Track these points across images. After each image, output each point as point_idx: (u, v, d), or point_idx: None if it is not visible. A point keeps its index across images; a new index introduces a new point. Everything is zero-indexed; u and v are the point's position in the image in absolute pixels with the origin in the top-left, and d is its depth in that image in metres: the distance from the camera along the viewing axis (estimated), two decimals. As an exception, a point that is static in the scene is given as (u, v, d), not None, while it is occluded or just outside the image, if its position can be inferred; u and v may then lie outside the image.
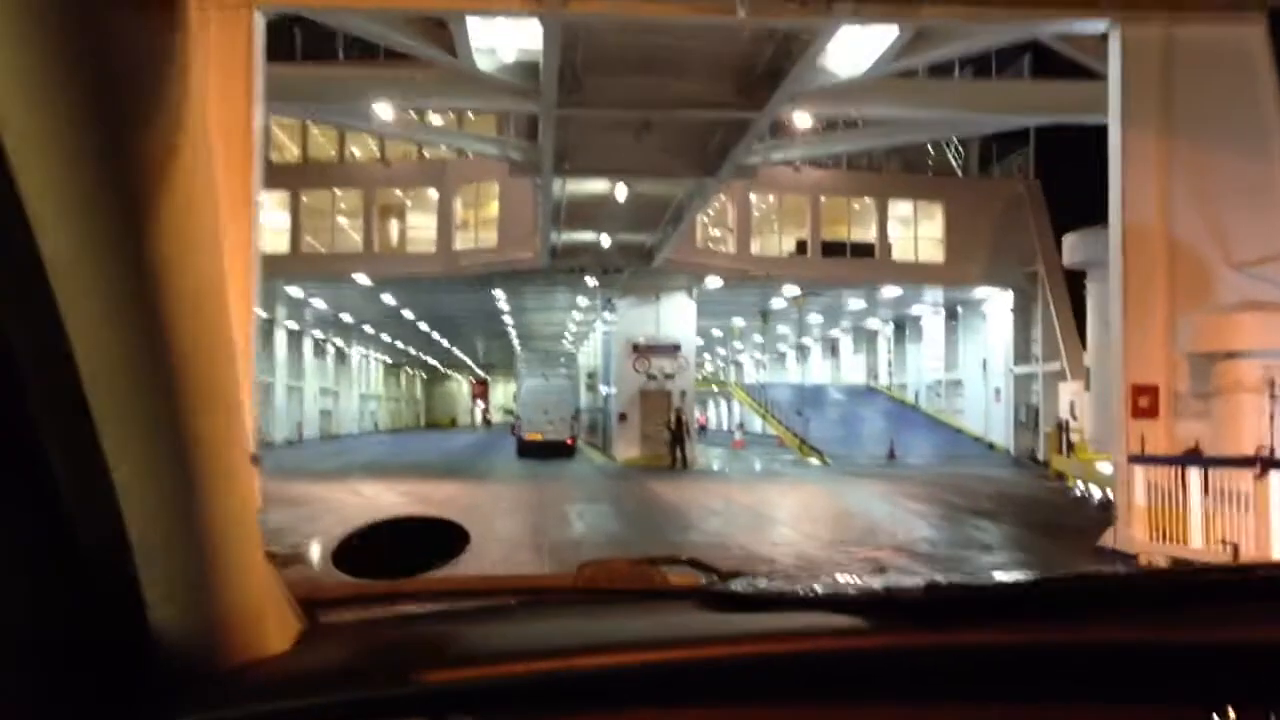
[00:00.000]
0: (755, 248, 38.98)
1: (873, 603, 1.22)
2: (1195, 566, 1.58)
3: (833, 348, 61.24)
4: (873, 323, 53.64)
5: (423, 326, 57.15)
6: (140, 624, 0.91)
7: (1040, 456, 38.15)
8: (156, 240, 0.80)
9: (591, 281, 38.62)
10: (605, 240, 32.20)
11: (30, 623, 0.89)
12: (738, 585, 1.34)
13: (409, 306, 47.93)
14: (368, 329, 60.55)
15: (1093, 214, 38.15)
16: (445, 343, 69.88)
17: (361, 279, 37.63)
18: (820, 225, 38.83)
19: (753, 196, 38.73)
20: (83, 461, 0.83)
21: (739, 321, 52.95)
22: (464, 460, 40.54)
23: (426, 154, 38.44)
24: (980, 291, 41.45)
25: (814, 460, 39.98)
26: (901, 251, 39.98)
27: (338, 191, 38.20)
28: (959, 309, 45.10)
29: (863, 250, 39.21)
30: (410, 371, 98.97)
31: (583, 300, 44.55)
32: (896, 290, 40.91)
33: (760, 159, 24.84)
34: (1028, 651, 1.16)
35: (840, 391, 53.25)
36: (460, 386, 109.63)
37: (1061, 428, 32.10)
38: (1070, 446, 30.44)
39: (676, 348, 39.82)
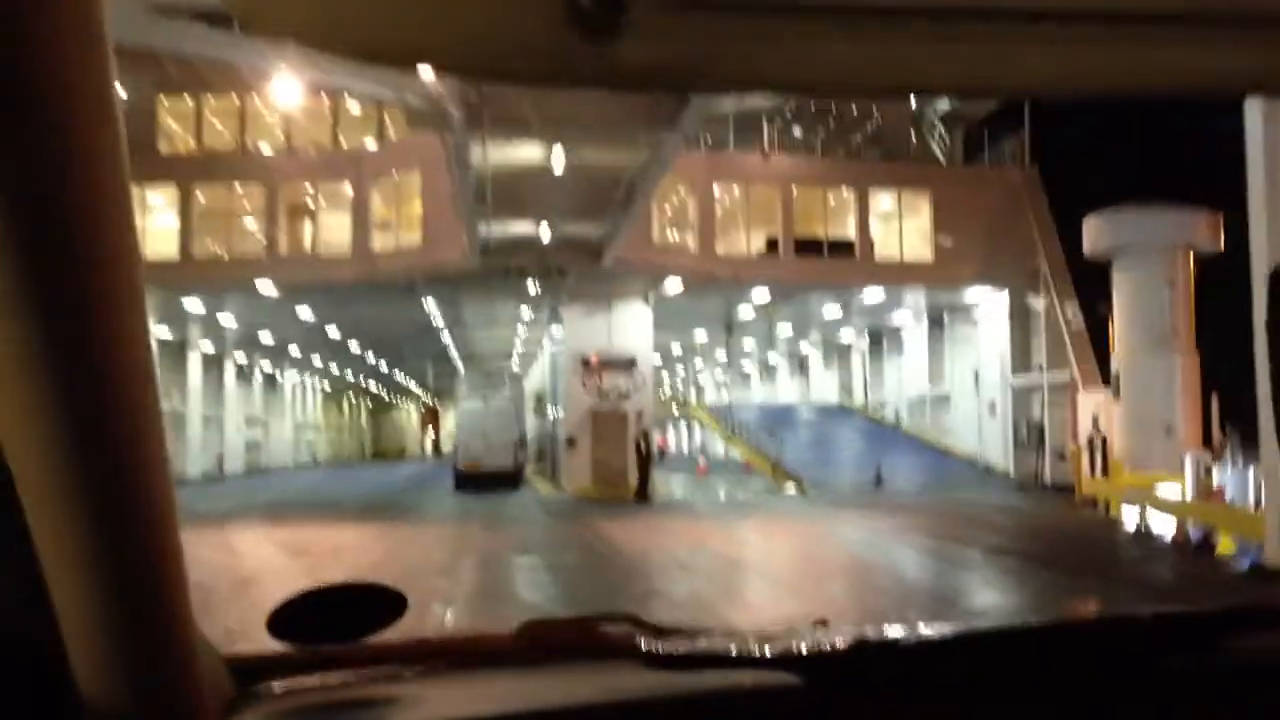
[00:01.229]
0: (720, 248, 33.59)
1: (807, 660, 1.18)
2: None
3: (801, 364, 55.96)
4: (846, 335, 48.42)
5: (354, 347, 51.21)
6: (67, 693, 0.87)
7: (1047, 479, 32.95)
8: (66, 286, 0.76)
9: (534, 288, 33.05)
10: (545, 232, 26.70)
11: None
12: (677, 644, 1.29)
13: (333, 322, 42.03)
14: (296, 352, 54.45)
15: (1101, 198, 33.35)
16: (383, 366, 63.93)
17: (266, 287, 31.79)
18: (793, 220, 33.55)
19: (716, 189, 33.40)
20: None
21: (701, 336, 47.52)
22: (390, 495, 34.80)
23: (342, 142, 32.81)
24: (971, 294, 36.32)
25: (790, 488, 34.56)
26: (885, 249, 34.77)
27: (238, 187, 32.41)
28: (945, 316, 39.93)
29: (841, 248, 33.96)
30: (353, 400, 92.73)
31: (526, 312, 38.95)
32: (878, 294, 35.66)
33: (731, 105, 19.45)
34: (951, 700, 1.15)
35: (811, 411, 47.90)
36: (409, 415, 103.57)
37: (1091, 445, 26.82)
38: (1104, 467, 25.17)
39: (632, 362, 34.34)
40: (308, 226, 33.63)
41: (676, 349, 53.26)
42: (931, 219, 34.21)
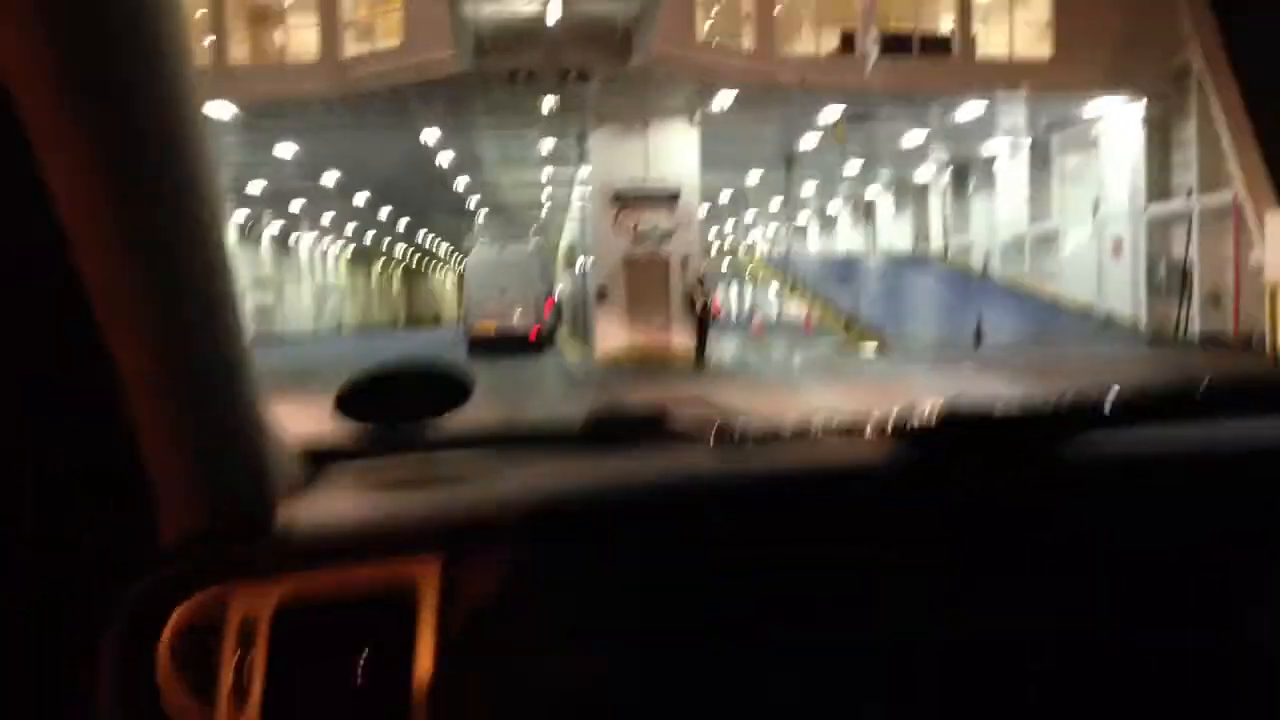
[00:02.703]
0: (784, 48, 26.14)
1: (886, 431, 1.15)
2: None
3: (867, 211, 48.48)
4: (924, 173, 40.85)
5: (359, 200, 44.41)
6: (144, 476, 0.89)
7: (1195, 330, 25.87)
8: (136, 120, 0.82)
9: (550, 104, 25.96)
10: (554, 8, 19.57)
11: (31, 473, 0.86)
12: (752, 422, 1.29)
13: (323, 165, 35.15)
14: (296, 209, 47.75)
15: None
16: (402, 226, 57.20)
17: (219, 109, 24.92)
18: (875, 8, 25.91)
19: (776, -24, 25.82)
20: (70, 307, 0.82)
21: (753, 178, 40.17)
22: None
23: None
24: (1092, 106, 28.68)
25: (869, 348, 27.77)
26: (990, 44, 27.13)
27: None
28: (1052, 140, 32.32)
29: (935, 45, 26.35)
30: (384, 265, 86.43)
31: (548, 144, 31.83)
32: (976, 109, 28.07)
33: None
34: (1046, 473, 1.13)
35: (882, 261, 40.71)
36: (444, 281, 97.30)
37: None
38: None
39: (674, 196, 27.37)
40: (262, 33, 26.54)
41: (724, 198, 45.95)
42: (1051, 2, 26.43)
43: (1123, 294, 28.91)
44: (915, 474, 1.12)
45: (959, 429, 1.14)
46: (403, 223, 56.31)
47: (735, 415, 1.33)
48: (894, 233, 45.90)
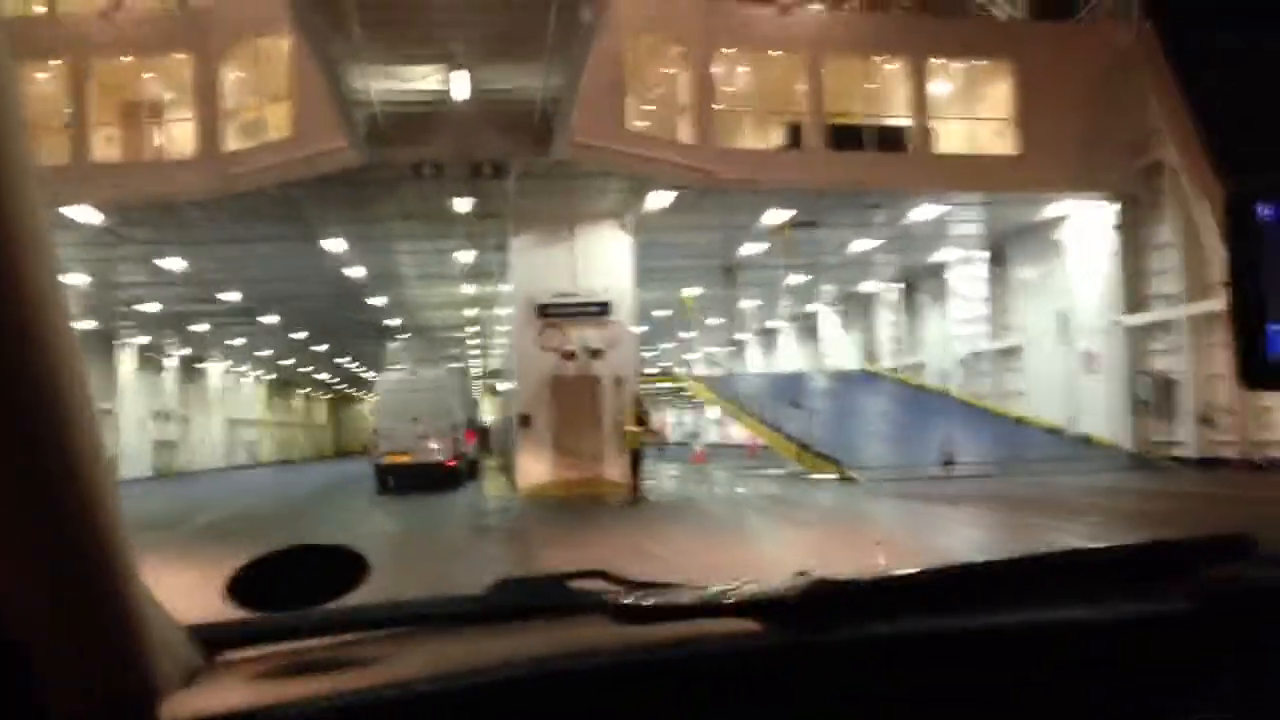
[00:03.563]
0: (724, 142, 23.43)
1: (760, 605, 1.16)
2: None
3: (810, 327, 45.82)
4: (871, 286, 38.31)
5: (269, 322, 40.78)
6: (19, 673, 0.82)
7: (1188, 450, 23.05)
8: None
9: (463, 204, 22.85)
10: (460, 86, 16.58)
11: None
12: (646, 598, 1.27)
13: (219, 278, 31.58)
14: (208, 329, 43.95)
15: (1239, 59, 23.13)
16: (323, 348, 53.54)
17: (81, 213, 21.44)
18: (823, 100, 23.38)
19: (715, 69, 23.22)
20: None
21: (693, 290, 37.28)
22: (282, 505, 24.73)
23: None
24: (1055, 210, 26.27)
25: (826, 474, 24.52)
26: (949, 142, 24.67)
27: (39, 72, 22.01)
28: (1007, 247, 29.87)
29: (889, 139, 23.78)
30: (308, 392, 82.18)
31: (468, 256, 28.66)
32: (931, 210, 25.45)
33: None
34: (911, 642, 1.15)
35: (828, 379, 37.74)
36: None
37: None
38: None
39: (604, 308, 24.22)
40: (133, 125, 23.25)
41: (661, 314, 43.05)
42: (1015, 97, 24.10)
43: (1099, 412, 26.05)
44: (787, 649, 1.13)
45: (828, 603, 1.16)
46: (322, 347, 52.65)
47: (634, 589, 1.34)
48: (840, 346, 43.18)
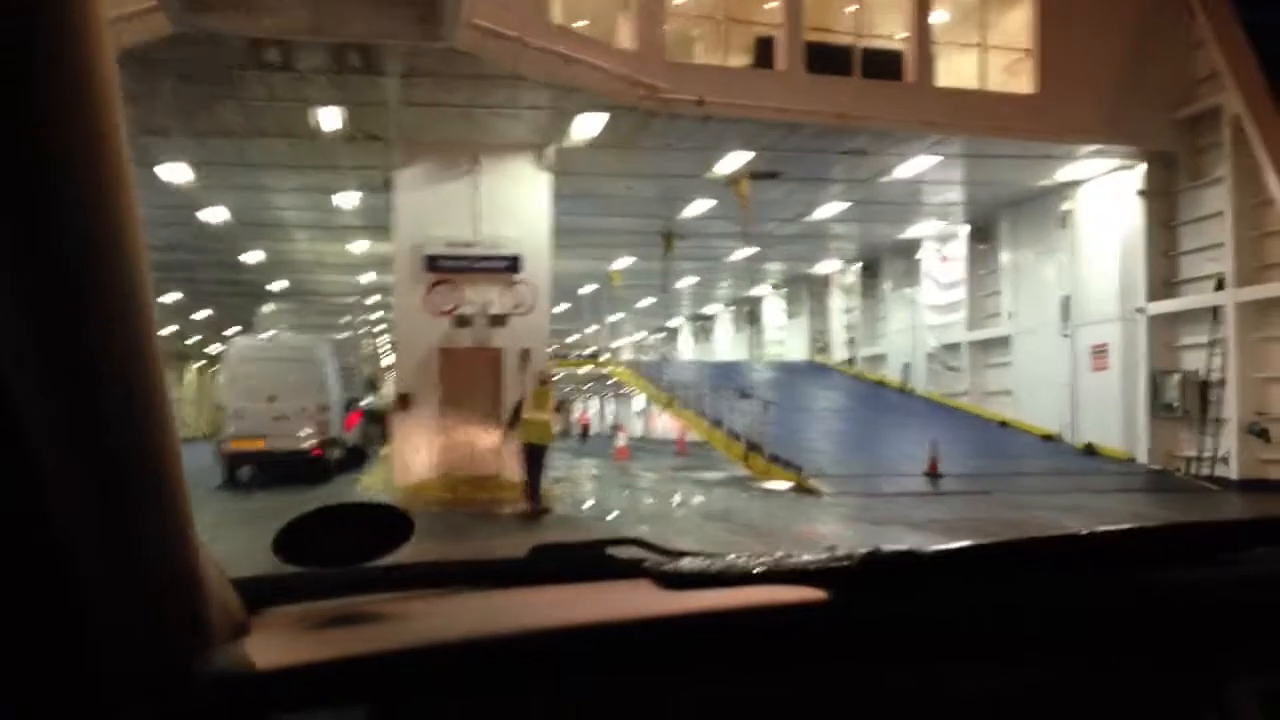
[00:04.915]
0: (678, 55, 18.29)
1: (812, 573, 1.16)
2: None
3: (751, 313, 40.92)
4: (824, 264, 33.46)
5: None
6: (75, 621, 0.82)
7: (1229, 469, 18.47)
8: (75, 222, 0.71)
9: (329, 120, 17.37)
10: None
11: None
12: (684, 564, 1.29)
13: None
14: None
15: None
16: (203, 316, 47.30)
17: None
18: (801, 10, 18.34)
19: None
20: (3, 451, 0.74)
21: (624, 261, 32.04)
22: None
23: None
24: (1067, 171, 21.59)
25: (779, 482, 19.54)
26: (954, 70, 19.81)
27: None
28: (998, 219, 25.18)
29: (882, 63, 18.79)
30: (201, 366, 75.44)
31: (345, 197, 23.14)
32: (928, 161, 20.51)
33: None
34: (966, 613, 1.15)
35: (773, 371, 32.89)
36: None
37: None
38: None
39: (513, 264, 19.00)
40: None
41: (585, 289, 37.76)
42: (1033, 23, 19.28)
43: (1110, 414, 21.43)
44: (843, 617, 1.12)
45: (883, 572, 1.15)
46: (202, 315, 46.44)
47: (670, 556, 1.32)
48: (785, 339, 38.35)
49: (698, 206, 24.24)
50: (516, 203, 19.07)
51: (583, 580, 1.34)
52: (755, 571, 1.19)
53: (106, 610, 0.83)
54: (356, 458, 26.20)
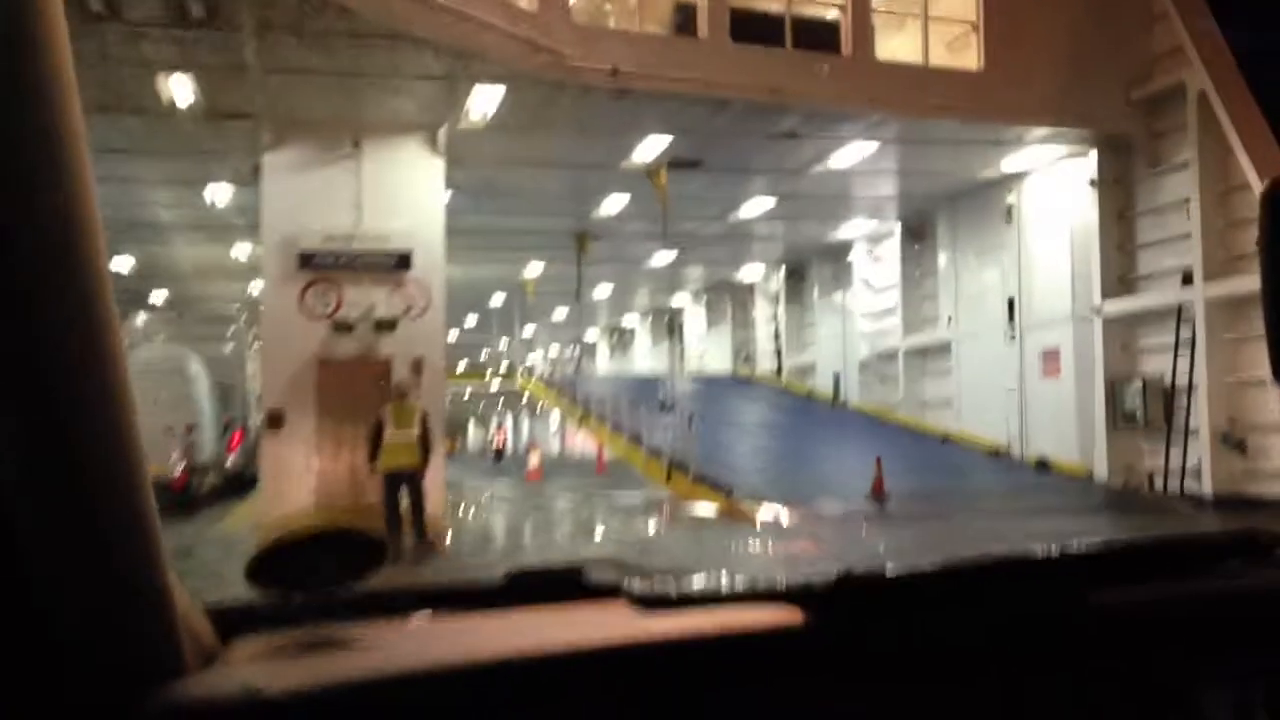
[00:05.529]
0: (585, 18, 16.04)
1: (787, 593, 1.16)
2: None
3: (670, 324, 38.76)
4: (747, 270, 31.46)
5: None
6: (40, 649, 0.81)
7: (1202, 484, 16.71)
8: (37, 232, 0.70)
9: (180, 91, 14.75)
10: None
11: None
12: (660, 585, 1.26)
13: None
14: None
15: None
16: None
17: None
18: (728, -28, 16.23)
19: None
20: None
21: (536, 267, 29.60)
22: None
23: None
24: (1012, 161, 19.81)
25: (705, 505, 17.33)
26: (894, 45, 17.86)
27: None
28: (935, 216, 23.38)
29: (817, 34, 16.72)
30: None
31: (216, 190, 20.44)
32: (867, 148, 18.50)
33: None
34: (939, 632, 1.15)
35: (696, 384, 30.69)
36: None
37: None
38: None
39: (402, 260, 16.54)
40: None
41: (497, 299, 35.25)
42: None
43: (1063, 425, 19.62)
44: (818, 638, 1.11)
45: (856, 592, 1.15)
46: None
47: (648, 576, 1.29)
48: (708, 350, 36.26)
49: (613, 203, 21.99)
50: (406, 192, 16.61)
51: (561, 600, 1.30)
52: (731, 592, 1.18)
53: (73, 638, 0.78)
54: (238, 485, 23.39)
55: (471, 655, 1.06)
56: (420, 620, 1.30)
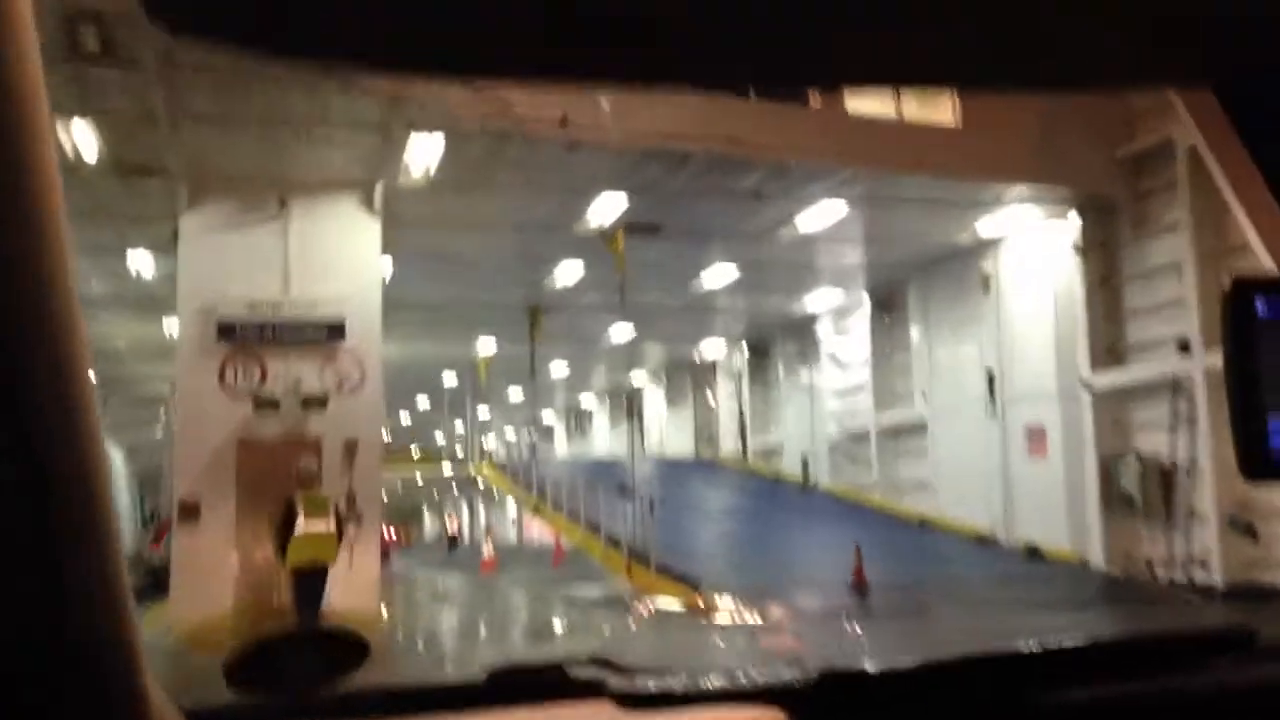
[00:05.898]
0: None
1: (769, 691, 1.15)
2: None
3: (629, 405, 37.24)
4: (708, 345, 30.12)
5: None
6: None
7: (1212, 573, 15.29)
8: None
9: (84, 143, 13.22)
10: None
11: None
12: (644, 683, 1.25)
13: None
14: None
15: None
16: None
17: None
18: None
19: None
20: None
21: (488, 343, 28.08)
22: None
23: None
24: (988, 224, 18.71)
25: (668, 601, 15.64)
26: (863, 102, 16.69)
27: None
28: (908, 286, 22.20)
29: (782, 88, 15.54)
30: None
31: (137, 258, 18.81)
32: (836, 209, 17.29)
33: None
34: None
35: (658, 467, 29.09)
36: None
37: None
38: None
39: (333, 330, 14.98)
40: None
41: (449, 379, 33.60)
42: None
43: (1050, 512, 18.20)
44: None
45: (838, 690, 1.13)
46: None
47: (633, 675, 1.30)
48: (668, 432, 34.73)
49: (567, 271, 20.62)
50: (339, 256, 15.13)
51: (544, 700, 1.29)
52: (714, 689, 1.17)
53: None
54: (162, 582, 21.33)
55: None
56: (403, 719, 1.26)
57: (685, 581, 16.13)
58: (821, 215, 17.34)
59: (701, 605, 14.92)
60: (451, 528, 54.35)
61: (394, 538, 67.86)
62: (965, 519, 20.08)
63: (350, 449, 14.67)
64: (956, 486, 20.36)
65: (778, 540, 19.64)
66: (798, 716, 1.09)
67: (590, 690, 1.26)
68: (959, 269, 20.14)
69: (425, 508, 70.01)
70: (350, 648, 1.28)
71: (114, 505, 0.68)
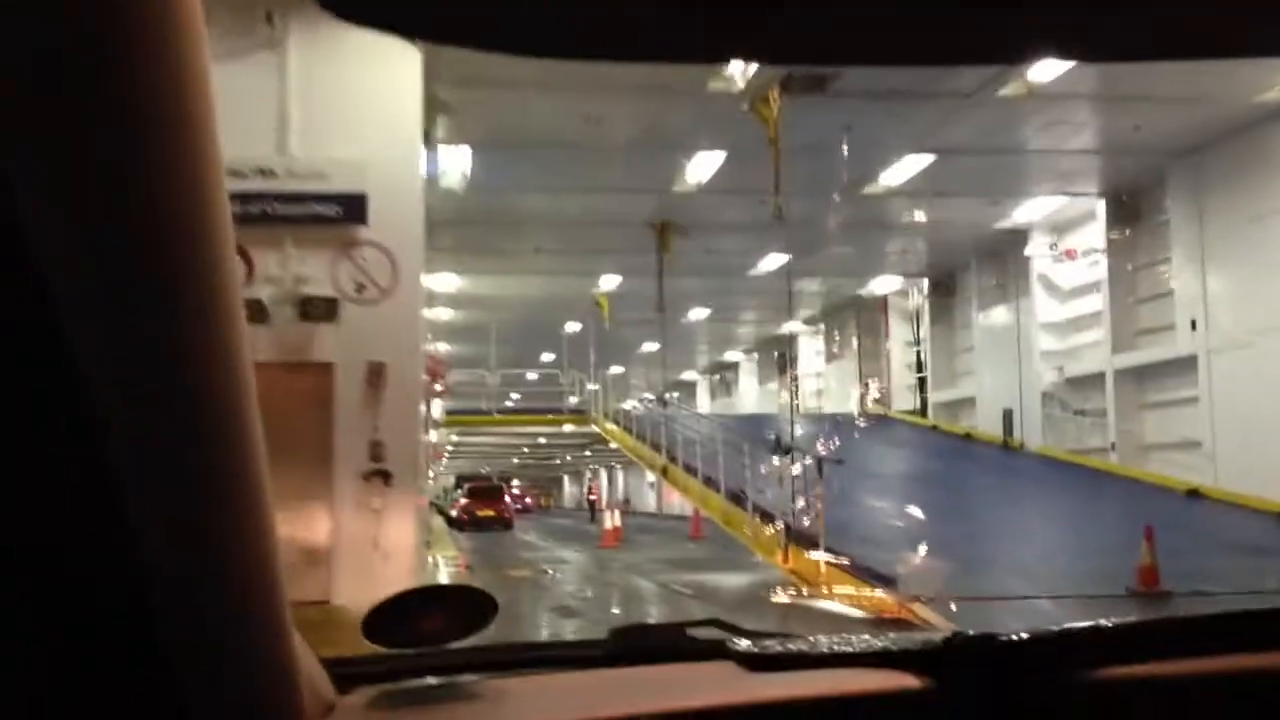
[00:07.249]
0: None
1: (895, 656, 1.15)
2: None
3: (780, 357, 31.71)
4: (882, 281, 24.40)
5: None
6: (166, 685, 0.76)
7: None
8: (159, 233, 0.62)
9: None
10: None
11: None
12: (767, 645, 1.27)
13: None
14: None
15: None
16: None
17: None
18: None
19: None
20: (89, 508, 0.66)
21: (610, 279, 23.03)
22: None
23: None
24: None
25: (847, 605, 10.26)
26: None
27: None
28: (1166, 184, 16.10)
29: None
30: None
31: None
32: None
33: None
34: (1048, 696, 1.12)
35: (817, 425, 23.47)
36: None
37: None
38: None
39: (350, 207, 10.00)
40: None
41: (568, 326, 28.74)
42: None
43: None
44: (932, 703, 1.10)
45: (966, 655, 1.13)
46: None
47: (751, 637, 1.31)
48: (826, 389, 29.22)
49: (702, 166, 15.36)
50: (360, 100, 10.22)
51: (666, 659, 1.32)
52: (840, 654, 1.18)
53: (198, 678, 0.75)
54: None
55: (580, 714, 1.06)
56: (528, 677, 1.31)
57: (872, 577, 10.79)
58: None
59: (904, 614, 9.54)
60: (592, 494, 50.08)
61: (531, 502, 64.74)
62: (1256, 489, 14.03)
63: (374, 378, 9.79)
64: (1247, 447, 14.25)
65: (992, 519, 14.00)
66: (925, 682, 1.08)
67: (712, 651, 1.26)
68: (1256, 142, 13.98)
69: (562, 472, 66.00)
70: (481, 605, 1.29)
71: (268, 484, 0.71)
